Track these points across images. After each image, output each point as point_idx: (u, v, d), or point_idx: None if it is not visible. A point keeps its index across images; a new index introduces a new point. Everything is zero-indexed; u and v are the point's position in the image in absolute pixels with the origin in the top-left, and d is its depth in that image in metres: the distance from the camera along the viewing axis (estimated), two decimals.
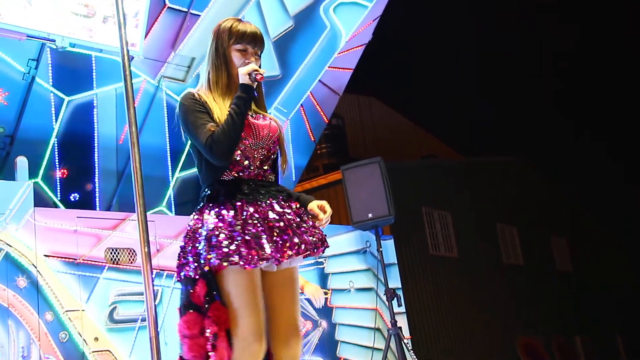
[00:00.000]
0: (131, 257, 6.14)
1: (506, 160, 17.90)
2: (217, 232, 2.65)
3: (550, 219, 18.05)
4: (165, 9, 7.92)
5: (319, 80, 9.90)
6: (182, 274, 2.73)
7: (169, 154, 8.37)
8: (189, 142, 2.93)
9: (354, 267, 8.45)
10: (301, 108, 9.97)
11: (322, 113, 10.46)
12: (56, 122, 7.46)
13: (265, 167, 2.89)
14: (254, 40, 2.93)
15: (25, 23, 6.57)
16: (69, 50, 7.06)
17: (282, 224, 2.74)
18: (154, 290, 2.89)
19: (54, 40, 6.80)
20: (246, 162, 2.83)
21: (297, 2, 9.04)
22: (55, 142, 7.46)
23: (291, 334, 2.81)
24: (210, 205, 2.77)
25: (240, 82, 2.82)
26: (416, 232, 13.12)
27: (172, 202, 8.33)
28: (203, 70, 2.99)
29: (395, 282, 8.74)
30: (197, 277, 2.68)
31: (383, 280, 7.15)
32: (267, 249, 2.64)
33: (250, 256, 2.61)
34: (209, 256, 2.62)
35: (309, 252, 2.78)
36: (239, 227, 2.67)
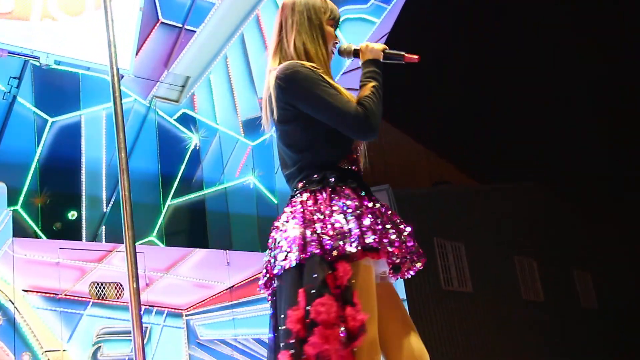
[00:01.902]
0: (118, 292, 6.10)
1: (524, 187, 17.88)
2: (364, 212, 2.40)
3: (572, 251, 17.98)
4: (158, 25, 7.95)
5: None
6: (310, 250, 2.35)
7: (160, 180, 8.36)
8: (286, 119, 2.58)
9: None
10: None
11: None
12: (38, 144, 7.45)
13: (360, 164, 2.69)
14: (338, 22, 2.81)
15: (7, 38, 6.59)
16: (54, 67, 7.08)
17: (406, 230, 2.54)
18: (142, 328, 2.85)
19: (38, 57, 6.82)
20: (355, 155, 2.65)
21: None
22: (37, 167, 7.45)
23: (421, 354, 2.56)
24: (340, 186, 2.49)
25: (374, 57, 2.72)
26: (427, 265, 13.02)
27: (163, 231, 8.29)
28: (289, 42, 2.70)
29: None
30: (331, 259, 2.34)
31: None
32: (404, 252, 2.46)
33: (393, 254, 2.41)
34: (364, 237, 2.33)
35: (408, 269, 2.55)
36: (380, 218, 2.45)
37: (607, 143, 24.59)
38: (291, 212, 2.48)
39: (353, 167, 2.60)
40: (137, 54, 7.56)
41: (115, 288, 6.10)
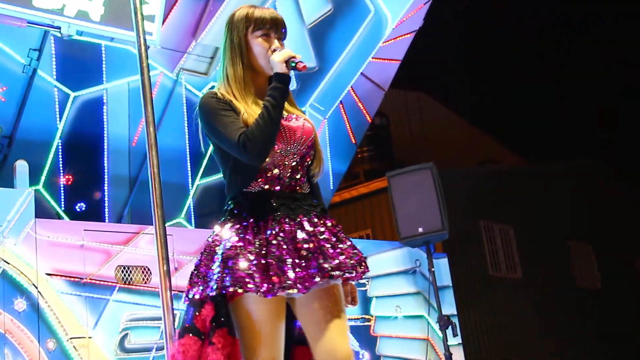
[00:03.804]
0: (145, 276, 6.16)
1: (579, 166, 17.65)
2: (234, 253, 2.68)
3: (633, 235, 17.74)
4: None
5: (361, 73, 9.86)
6: (190, 294, 2.74)
7: (188, 158, 8.40)
8: (212, 148, 2.95)
9: (401, 290, 8.37)
10: (340, 105, 9.93)
11: (364, 111, 10.41)
12: (60, 120, 7.53)
13: (298, 177, 2.89)
14: (276, 25, 2.94)
15: (26, 7, 6.64)
16: (76, 38, 7.12)
17: (311, 245, 2.72)
18: (173, 312, 2.87)
19: (59, 28, 6.87)
20: (275, 171, 2.84)
21: None
22: (59, 144, 7.54)
23: None
24: (232, 220, 2.80)
25: (276, 71, 2.83)
26: (474, 249, 12.99)
27: (192, 213, 8.35)
28: (219, 68, 3.02)
29: (449, 307, 8.64)
30: (205, 299, 2.69)
31: (435, 306, 7.07)
32: (291, 274, 2.64)
33: (270, 283, 2.62)
34: (223, 280, 2.64)
35: (344, 275, 2.74)
36: (261, 248, 2.69)
37: None
38: (204, 247, 2.84)
39: (269, 186, 2.83)
40: (163, 24, 7.57)
41: (143, 272, 6.17)
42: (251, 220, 2.75)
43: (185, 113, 8.37)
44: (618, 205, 17.86)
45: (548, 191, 15.56)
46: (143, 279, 6.15)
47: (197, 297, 2.70)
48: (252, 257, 2.65)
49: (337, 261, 2.72)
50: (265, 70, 2.92)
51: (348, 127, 10.21)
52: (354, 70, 9.65)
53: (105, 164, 7.81)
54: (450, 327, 6.75)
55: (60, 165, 7.53)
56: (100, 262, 5.96)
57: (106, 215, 7.75)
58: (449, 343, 6.82)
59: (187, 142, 8.40)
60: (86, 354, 5.64)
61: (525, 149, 20.54)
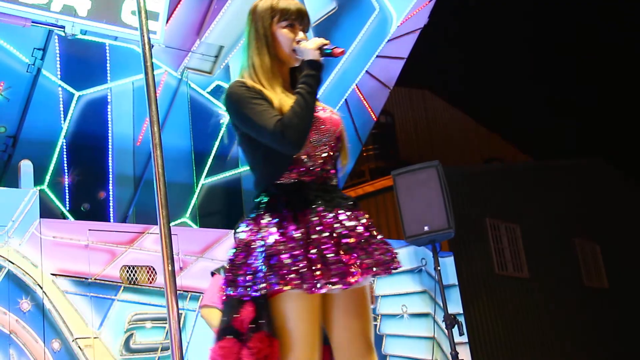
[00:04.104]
0: (150, 275, 6.17)
1: (586, 163, 17.62)
2: (278, 249, 2.61)
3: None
4: None
5: (366, 71, 9.85)
6: (229, 291, 2.67)
7: (193, 157, 8.40)
8: (238, 139, 2.89)
9: (407, 289, 8.37)
10: (345, 103, 9.92)
11: (369, 109, 10.40)
12: (65, 120, 7.54)
13: (328, 168, 2.84)
14: (301, 16, 2.95)
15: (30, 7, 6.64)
16: (80, 38, 7.13)
17: (351, 240, 2.69)
18: (178, 312, 2.87)
19: (63, 27, 6.87)
20: (309, 162, 2.78)
21: None
22: (64, 144, 7.54)
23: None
24: (269, 214, 2.71)
25: (308, 58, 2.82)
26: (480, 248, 12.96)
27: (197, 212, 8.35)
28: (243, 58, 2.97)
29: (455, 306, 8.63)
30: (245, 299, 2.63)
31: (441, 304, 7.06)
32: (334, 269, 2.60)
33: (315, 280, 2.56)
34: (268, 278, 2.57)
35: (379, 272, 2.73)
36: (303, 243, 2.62)
37: None
38: (237, 242, 2.75)
39: (303, 178, 2.77)
40: (167, 22, 7.58)
41: (148, 272, 6.18)
42: (289, 213, 2.69)
43: (190, 112, 8.38)
44: (624, 203, 17.83)
45: (554, 189, 15.53)
46: (148, 279, 6.16)
47: (238, 294, 2.64)
48: (296, 253, 2.59)
49: (373, 256, 2.70)
50: (290, 61, 2.90)
51: (353, 126, 10.20)
52: (359, 69, 9.64)
53: (110, 164, 7.82)
54: (456, 325, 6.74)
55: (65, 165, 7.54)
56: (105, 261, 5.97)
57: (111, 215, 7.76)
58: (455, 341, 6.81)
59: (191, 141, 8.40)
60: (91, 354, 5.65)
61: (531, 146, 20.53)
